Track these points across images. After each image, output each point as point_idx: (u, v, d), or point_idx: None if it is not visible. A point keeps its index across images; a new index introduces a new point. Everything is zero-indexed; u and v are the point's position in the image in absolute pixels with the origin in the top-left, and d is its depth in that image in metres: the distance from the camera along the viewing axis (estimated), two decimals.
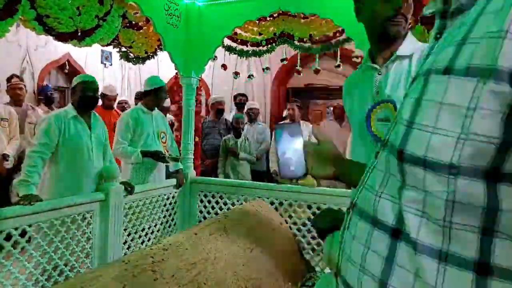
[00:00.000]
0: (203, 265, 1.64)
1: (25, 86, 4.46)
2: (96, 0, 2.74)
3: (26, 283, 2.07)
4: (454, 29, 0.49)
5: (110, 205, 2.47)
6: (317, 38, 3.74)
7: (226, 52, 4.22)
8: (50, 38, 2.71)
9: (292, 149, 0.90)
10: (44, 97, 5.01)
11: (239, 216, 2.24)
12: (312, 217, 2.76)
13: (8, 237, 1.96)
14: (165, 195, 3.07)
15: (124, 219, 2.64)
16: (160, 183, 3.13)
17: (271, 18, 3.66)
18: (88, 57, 6.61)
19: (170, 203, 3.14)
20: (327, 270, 2.45)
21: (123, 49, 3.82)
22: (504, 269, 0.40)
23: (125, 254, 2.59)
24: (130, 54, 3.89)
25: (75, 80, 2.67)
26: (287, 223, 2.74)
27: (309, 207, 2.81)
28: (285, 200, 2.88)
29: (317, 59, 4.42)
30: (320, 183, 2.66)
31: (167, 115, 4.63)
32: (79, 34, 2.70)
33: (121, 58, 4.09)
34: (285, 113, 5.31)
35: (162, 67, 6.64)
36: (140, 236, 2.84)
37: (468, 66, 0.41)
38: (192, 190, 3.28)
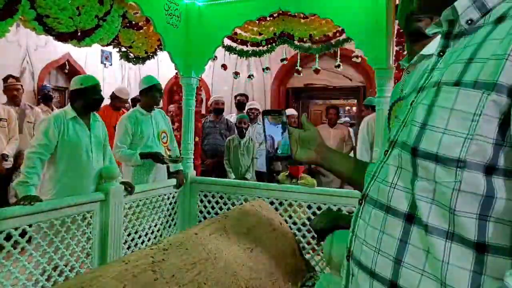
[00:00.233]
0: (203, 265, 1.63)
1: (22, 86, 4.44)
2: (96, 0, 2.74)
3: (26, 283, 2.07)
4: (457, 49, 0.59)
5: (110, 205, 2.47)
6: (317, 38, 3.74)
7: (226, 52, 4.22)
8: (50, 38, 2.71)
9: (277, 131, 0.99)
10: (42, 95, 5.01)
11: (239, 216, 2.23)
12: (312, 217, 2.76)
13: (8, 237, 1.96)
14: (165, 195, 3.07)
15: (124, 219, 2.64)
16: (161, 182, 3.13)
17: (271, 18, 3.66)
18: (88, 57, 6.61)
19: (170, 203, 3.14)
20: (327, 270, 2.45)
21: (123, 49, 3.82)
22: (498, 247, 0.50)
23: (125, 254, 2.59)
24: (130, 54, 3.88)
25: (83, 82, 2.60)
26: (287, 223, 2.73)
27: (309, 207, 2.81)
28: (285, 200, 2.88)
29: (317, 59, 4.42)
30: (320, 183, 2.66)
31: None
32: (79, 34, 2.70)
33: (121, 58, 4.09)
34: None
35: (162, 67, 6.65)
36: (140, 236, 2.84)
37: (475, 81, 0.52)
38: (192, 190, 3.28)
